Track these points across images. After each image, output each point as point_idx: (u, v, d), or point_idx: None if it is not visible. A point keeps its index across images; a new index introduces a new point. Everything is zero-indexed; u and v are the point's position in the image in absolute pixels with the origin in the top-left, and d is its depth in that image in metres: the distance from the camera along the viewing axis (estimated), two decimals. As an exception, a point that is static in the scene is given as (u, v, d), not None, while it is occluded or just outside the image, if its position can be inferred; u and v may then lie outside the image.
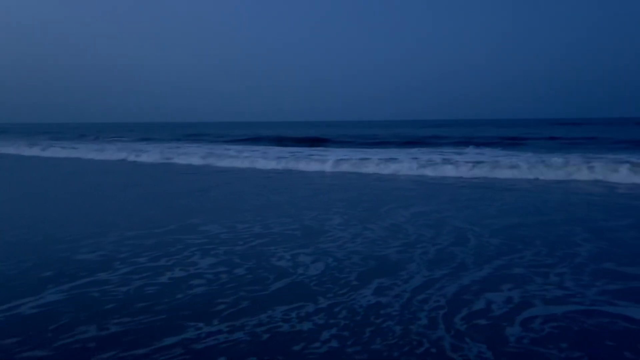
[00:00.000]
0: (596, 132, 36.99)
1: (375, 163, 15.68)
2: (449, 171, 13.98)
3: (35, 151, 28.35)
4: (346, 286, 4.74)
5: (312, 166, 16.45)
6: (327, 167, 16.02)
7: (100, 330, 3.62)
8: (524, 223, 7.66)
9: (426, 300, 4.36)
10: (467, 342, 3.64)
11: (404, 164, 15.27)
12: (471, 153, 20.14)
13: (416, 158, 17.25)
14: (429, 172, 14.18)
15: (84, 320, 3.84)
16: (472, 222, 7.62)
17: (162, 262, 5.54)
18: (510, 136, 32.09)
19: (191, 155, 21.07)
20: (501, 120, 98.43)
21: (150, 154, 22.85)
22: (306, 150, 23.60)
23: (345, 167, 15.74)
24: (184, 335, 3.57)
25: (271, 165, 17.30)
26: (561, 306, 4.35)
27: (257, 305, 4.21)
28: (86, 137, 46.51)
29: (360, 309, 4.17)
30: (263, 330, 3.74)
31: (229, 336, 3.60)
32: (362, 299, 4.37)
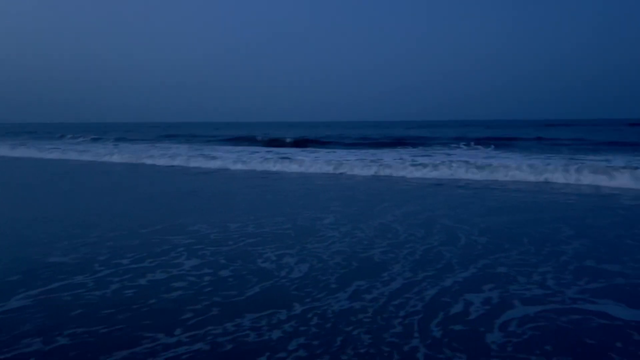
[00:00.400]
0: (583, 133, 36.04)
1: (364, 163, 14.88)
2: (439, 172, 13.34)
3: (16, 152, 26.20)
4: (325, 290, 4.27)
5: (300, 167, 15.39)
6: (316, 168, 15.09)
7: (48, 343, 3.15)
8: (513, 221, 7.17)
9: (403, 305, 3.86)
10: (444, 352, 3.15)
11: (393, 164, 14.63)
12: (461, 154, 19.53)
13: (401, 159, 16.67)
14: (418, 172, 13.49)
15: (38, 330, 3.38)
16: (462, 221, 7.12)
17: (145, 263, 5.09)
18: (500, 137, 30.89)
19: (176, 157, 19.39)
20: (494, 121, 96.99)
21: (133, 156, 21.04)
22: (296, 151, 22.33)
23: (331, 169, 14.77)
24: (137, 348, 3.10)
25: (262, 166, 16.19)
26: (543, 306, 3.95)
27: (227, 312, 3.74)
28: (65, 137, 43.33)
29: (332, 315, 3.69)
30: (227, 340, 3.27)
31: (189, 348, 3.13)
32: (336, 304, 3.90)
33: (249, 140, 32.02)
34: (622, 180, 10.63)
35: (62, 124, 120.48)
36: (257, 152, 22.25)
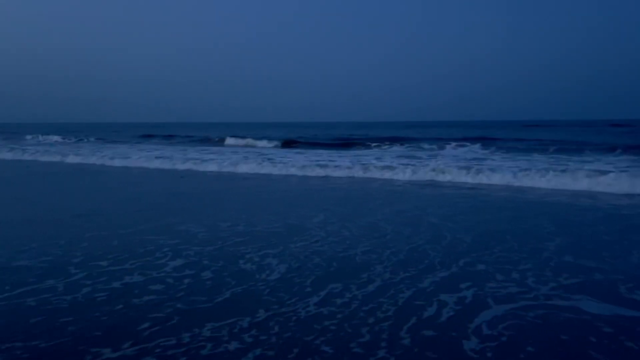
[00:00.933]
0: (569, 134, 34.82)
1: (351, 163, 13.97)
2: (425, 171, 12.49)
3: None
4: (297, 294, 3.76)
5: (287, 168, 13.97)
6: (303, 169, 13.74)
7: (-26, 361, 2.65)
8: (498, 219, 6.68)
9: (374, 311, 3.33)
10: (412, 363, 2.62)
11: (380, 164, 13.80)
12: (449, 154, 18.82)
13: (389, 158, 16.00)
14: (406, 172, 12.54)
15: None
16: (448, 219, 6.59)
17: (126, 265, 4.58)
18: (487, 137, 28.77)
19: (160, 158, 17.02)
20: (483, 122, 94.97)
21: (116, 158, 17.72)
22: (283, 152, 20.86)
23: (318, 170, 13.48)
24: (72, 366, 2.58)
25: (248, 167, 14.48)
26: (516, 303, 3.53)
27: (190, 320, 3.24)
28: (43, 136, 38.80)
29: (296, 323, 3.16)
30: (180, 352, 2.77)
31: (132, 363, 2.61)
32: (303, 310, 3.37)
33: (240, 141, 29.41)
34: (606, 181, 9.97)
35: (35, 124, 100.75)
36: (247, 152, 20.59)
